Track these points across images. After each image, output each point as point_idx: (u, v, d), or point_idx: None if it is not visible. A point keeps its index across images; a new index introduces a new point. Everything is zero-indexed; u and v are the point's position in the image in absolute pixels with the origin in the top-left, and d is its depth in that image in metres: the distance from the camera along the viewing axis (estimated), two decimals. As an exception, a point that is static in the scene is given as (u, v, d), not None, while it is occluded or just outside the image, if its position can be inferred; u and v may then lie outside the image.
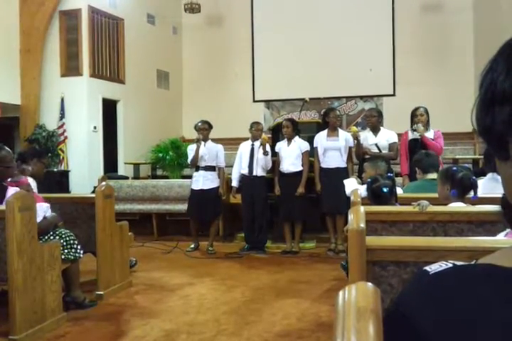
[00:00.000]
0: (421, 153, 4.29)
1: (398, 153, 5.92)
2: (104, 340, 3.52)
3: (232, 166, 6.85)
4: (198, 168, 6.42)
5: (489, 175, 3.61)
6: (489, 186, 3.42)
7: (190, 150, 6.43)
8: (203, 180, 6.35)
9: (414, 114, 5.76)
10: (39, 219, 3.69)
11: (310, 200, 6.34)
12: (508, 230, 2.22)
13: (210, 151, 6.37)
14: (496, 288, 0.53)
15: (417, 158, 4.18)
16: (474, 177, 3.09)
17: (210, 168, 6.38)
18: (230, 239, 7.14)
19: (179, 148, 9.31)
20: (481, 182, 3.63)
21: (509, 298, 0.52)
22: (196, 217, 6.45)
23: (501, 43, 0.58)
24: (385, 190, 3.38)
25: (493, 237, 2.24)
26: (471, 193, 3.09)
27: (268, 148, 6.23)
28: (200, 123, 6.43)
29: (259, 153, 6.29)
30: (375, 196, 3.41)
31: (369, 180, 3.57)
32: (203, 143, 6.30)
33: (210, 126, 6.44)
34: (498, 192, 2.61)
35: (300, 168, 6.18)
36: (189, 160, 6.52)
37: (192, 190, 6.47)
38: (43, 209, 3.79)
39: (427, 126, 5.70)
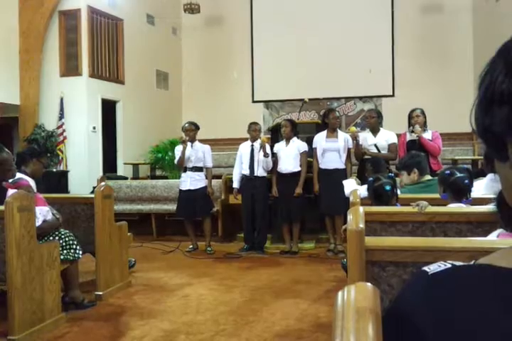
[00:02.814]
0: (419, 154, 4.20)
1: (397, 153, 5.92)
2: (103, 340, 3.52)
3: (231, 166, 6.85)
4: (185, 169, 6.43)
5: (490, 175, 3.60)
6: (491, 186, 3.42)
7: (177, 150, 6.43)
8: (191, 181, 6.35)
9: (410, 116, 5.78)
10: (39, 223, 3.68)
11: (309, 201, 6.34)
12: (499, 230, 2.22)
13: (197, 152, 6.37)
14: (494, 288, 0.54)
15: (418, 159, 4.06)
16: (467, 181, 3.06)
17: (197, 169, 6.39)
18: (229, 239, 7.14)
19: (178, 149, 9.31)
20: (482, 182, 3.63)
21: (508, 299, 0.52)
22: (187, 217, 6.44)
23: (500, 44, 0.58)
24: (387, 188, 3.38)
25: (487, 238, 2.23)
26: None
27: (268, 149, 6.23)
28: (186, 125, 6.46)
29: (259, 154, 6.30)
30: (377, 195, 3.40)
31: (371, 179, 3.56)
32: (189, 144, 6.31)
33: (197, 127, 6.45)
34: (500, 192, 2.61)
35: (298, 169, 6.19)
36: (175, 161, 6.53)
37: (180, 190, 6.48)
38: (43, 213, 3.78)
39: (424, 126, 5.71)
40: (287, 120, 6.51)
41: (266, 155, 6.17)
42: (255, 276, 5.19)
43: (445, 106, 10.17)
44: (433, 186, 3.50)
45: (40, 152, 4.89)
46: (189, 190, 6.34)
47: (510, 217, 2.01)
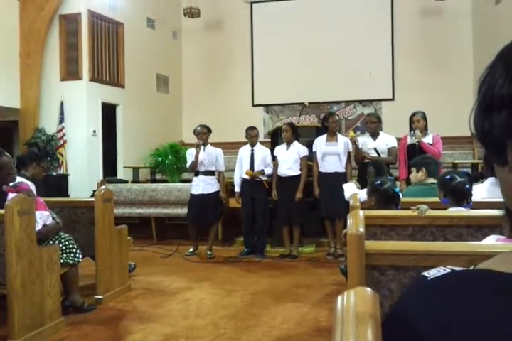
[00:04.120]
0: (434, 159, 4.26)
1: (397, 157, 5.93)
2: (103, 345, 3.51)
3: (232, 170, 6.85)
4: (197, 173, 6.40)
5: (491, 179, 3.60)
6: (492, 190, 3.41)
7: (190, 154, 6.39)
8: (203, 185, 6.32)
9: (411, 120, 5.77)
10: (39, 227, 3.68)
11: (309, 204, 6.34)
12: (496, 236, 2.20)
13: (210, 156, 6.35)
14: (494, 293, 0.53)
15: (429, 161, 4.12)
16: (468, 186, 3.06)
17: (209, 173, 6.37)
18: (229, 243, 7.14)
19: (178, 152, 9.31)
20: (482, 186, 3.63)
21: (507, 303, 0.52)
22: (196, 222, 6.42)
23: (500, 48, 0.58)
24: (397, 189, 3.41)
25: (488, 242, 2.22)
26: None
27: (264, 172, 6.30)
28: (199, 128, 6.41)
29: (258, 158, 6.33)
30: (388, 197, 3.40)
31: (378, 182, 3.55)
32: (202, 147, 6.29)
33: (209, 130, 6.42)
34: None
35: (298, 173, 6.18)
36: (188, 165, 6.49)
37: (192, 194, 6.44)
38: (43, 218, 3.78)
39: (425, 130, 5.70)
40: (287, 124, 6.50)
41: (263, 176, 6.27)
42: (255, 280, 5.18)
43: (445, 109, 10.17)
44: (436, 189, 3.51)
45: (40, 156, 4.90)
46: (201, 195, 6.31)
47: None
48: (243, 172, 6.42)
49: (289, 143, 6.26)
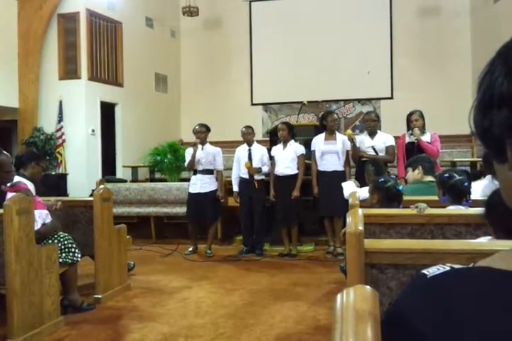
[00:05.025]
0: (429, 159, 4.27)
1: (395, 155, 5.93)
2: (102, 344, 3.51)
3: (229, 169, 6.86)
4: (195, 172, 6.41)
5: (489, 177, 3.61)
6: (491, 188, 3.41)
7: (188, 153, 6.41)
8: (201, 184, 6.33)
9: (409, 119, 5.77)
10: (38, 226, 3.67)
11: (307, 203, 6.33)
12: (487, 237, 2.20)
13: (208, 155, 6.35)
14: (493, 291, 0.53)
15: (426, 159, 4.13)
16: (467, 184, 3.06)
17: (207, 172, 6.38)
18: (228, 242, 7.14)
19: (177, 151, 9.31)
20: (482, 183, 3.63)
21: (507, 301, 0.51)
22: (195, 220, 6.43)
23: (499, 46, 0.58)
24: (400, 188, 3.41)
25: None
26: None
27: (261, 170, 6.31)
28: (197, 127, 6.43)
29: (256, 158, 6.34)
30: (391, 195, 3.39)
31: (381, 179, 3.54)
32: (200, 146, 6.30)
33: (208, 129, 6.43)
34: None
35: (295, 171, 6.18)
36: (186, 164, 6.51)
37: (189, 193, 6.45)
38: (42, 217, 3.78)
39: (423, 129, 5.71)
40: (284, 123, 6.52)
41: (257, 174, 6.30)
42: (254, 279, 5.18)
43: (444, 108, 10.19)
44: (434, 188, 3.51)
45: (39, 155, 4.89)
46: (199, 194, 6.32)
47: (503, 222, 1.94)
48: (240, 171, 6.43)
49: (285, 142, 6.26)
